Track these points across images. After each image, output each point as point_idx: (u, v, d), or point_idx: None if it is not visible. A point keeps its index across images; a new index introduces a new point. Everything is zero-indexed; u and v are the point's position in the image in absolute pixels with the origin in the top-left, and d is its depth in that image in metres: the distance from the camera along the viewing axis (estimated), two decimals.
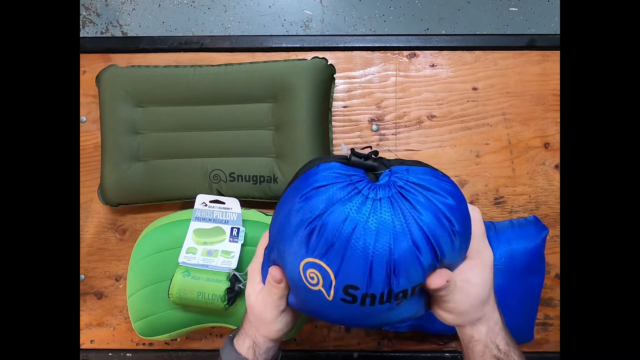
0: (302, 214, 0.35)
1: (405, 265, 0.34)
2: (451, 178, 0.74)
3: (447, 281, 0.38)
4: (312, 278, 0.36)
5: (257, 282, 0.46)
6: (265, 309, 0.45)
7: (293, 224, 0.36)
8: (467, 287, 0.41)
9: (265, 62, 0.68)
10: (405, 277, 0.35)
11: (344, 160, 0.37)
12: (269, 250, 0.43)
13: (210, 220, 0.66)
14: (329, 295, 0.36)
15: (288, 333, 0.50)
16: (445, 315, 0.43)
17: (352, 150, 0.36)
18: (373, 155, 0.37)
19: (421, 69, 0.74)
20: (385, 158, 0.38)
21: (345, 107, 0.74)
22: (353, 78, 0.74)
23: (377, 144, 0.73)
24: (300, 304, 0.43)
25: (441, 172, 0.38)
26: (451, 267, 0.39)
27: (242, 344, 0.48)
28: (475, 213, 0.42)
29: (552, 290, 0.72)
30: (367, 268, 0.34)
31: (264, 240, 0.46)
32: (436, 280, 0.37)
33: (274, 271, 0.41)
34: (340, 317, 0.39)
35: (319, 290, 0.36)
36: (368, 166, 0.36)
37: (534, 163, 0.73)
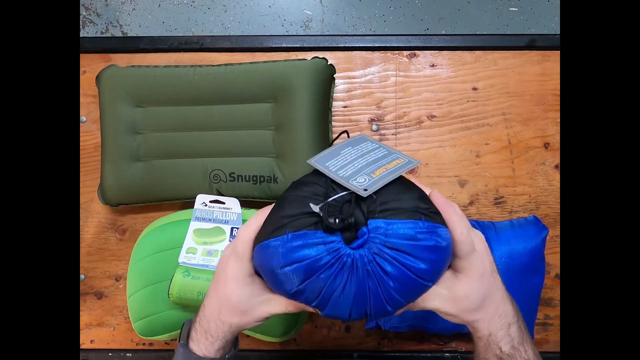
0: (284, 283, 0.38)
1: (379, 311, 0.38)
2: (451, 178, 0.74)
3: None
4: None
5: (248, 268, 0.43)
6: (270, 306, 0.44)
7: (277, 286, 0.39)
8: (452, 298, 0.42)
9: (265, 62, 0.68)
10: (378, 316, 0.39)
11: (317, 220, 0.37)
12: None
13: (210, 220, 0.66)
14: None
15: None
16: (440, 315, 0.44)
17: (324, 216, 0.36)
18: (349, 201, 0.38)
19: (421, 69, 0.74)
20: (364, 204, 0.38)
21: (345, 107, 0.74)
22: (353, 78, 0.74)
23: None
24: None
25: (423, 219, 0.38)
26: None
27: (210, 348, 0.46)
28: (459, 235, 0.40)
29: (552, 290, 0.72)
30: (347, 314, 0.38)
31: (253, 222, 0.43)
32: None
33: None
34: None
35: None
36: (344, 229, 0.37)
37: (534, 163, 0.73)
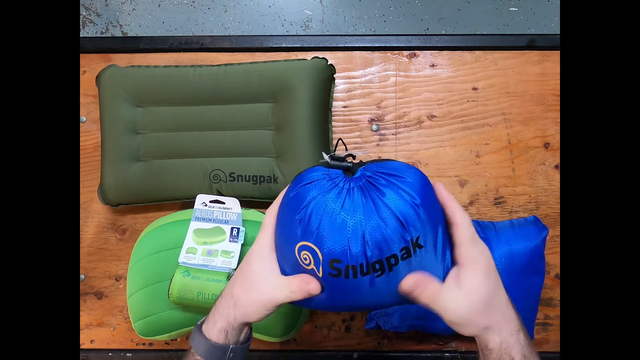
0: (293, 206, 0.43)
1: (376, 236, 0.40)
2: (451, 178, 0.74)
3: (416, 283, 0.41)
4: (305, 259, 0.42)
5: (273, 264, 0.45)
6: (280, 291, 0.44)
7: (287, 215, 0.44)
8: (461, 295, 0.41)
9: (265, 62, 0.68)
10: (377, 248, 0.40)
11: (326, 164, 0.44)
12: (277, 241, 0.47)
13: (210, 220, 0.66)
14: (319, 272, 0.42)
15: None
16: (451, 326, 0.42)
17: (331, 156, 0.44)
18: (350, 158, 0.44)
19: (421, 69, 0.74)
20: (362, 161, 0.45)
21: (345, 107, 0.74)
22: (353, 78, 0.74)
23: (377, 144, 0.73)
24: None
25: (409, 165, 0.44)
26: (425, 241, 0.41)
27: (213, 328, 0.46)
28: (460, 219, 0.42)
29: (552, 290, 0.72)
30: (346, 242, 0.40)
31: (272, 211, 0.47)
32: (406, 282, 0.41)
33: (314, 284, 0.43)
34: (332, 297, 0.44)
35: (312, 269, 0.42)
36: (344, 167, 0.43)
37: (534, 163, 0.73)
